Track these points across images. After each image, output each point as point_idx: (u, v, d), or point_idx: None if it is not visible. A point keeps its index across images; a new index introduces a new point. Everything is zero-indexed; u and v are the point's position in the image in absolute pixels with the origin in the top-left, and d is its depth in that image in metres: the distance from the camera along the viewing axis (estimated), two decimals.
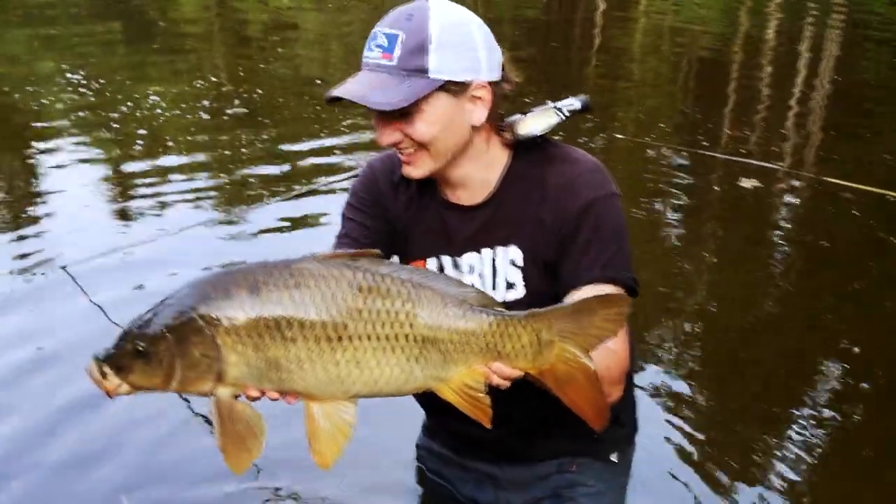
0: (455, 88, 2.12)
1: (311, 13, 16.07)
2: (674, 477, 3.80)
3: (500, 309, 1.96)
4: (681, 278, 6.06)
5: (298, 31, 14.54)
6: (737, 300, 5.78)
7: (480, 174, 2.28)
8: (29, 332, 4.73)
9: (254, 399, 1.89)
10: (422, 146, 2.16)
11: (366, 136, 8.36)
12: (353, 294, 1.85)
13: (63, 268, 5.35)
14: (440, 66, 2.09)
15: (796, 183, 7.91)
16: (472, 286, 2.07)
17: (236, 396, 1.89)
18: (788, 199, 7.68)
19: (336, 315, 1.84)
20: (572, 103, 2.36)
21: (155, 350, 1.82)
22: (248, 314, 1.82)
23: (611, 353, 2.09)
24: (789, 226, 7.15)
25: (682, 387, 4.60)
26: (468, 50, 2.13)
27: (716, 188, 7.90)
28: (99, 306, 4.90)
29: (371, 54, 2.11)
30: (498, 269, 2.29)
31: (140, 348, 1.83)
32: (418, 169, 2.20)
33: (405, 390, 1.95)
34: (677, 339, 5.17)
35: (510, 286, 2.28)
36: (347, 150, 8.17)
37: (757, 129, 9.83)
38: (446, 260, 2.35)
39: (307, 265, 1.87)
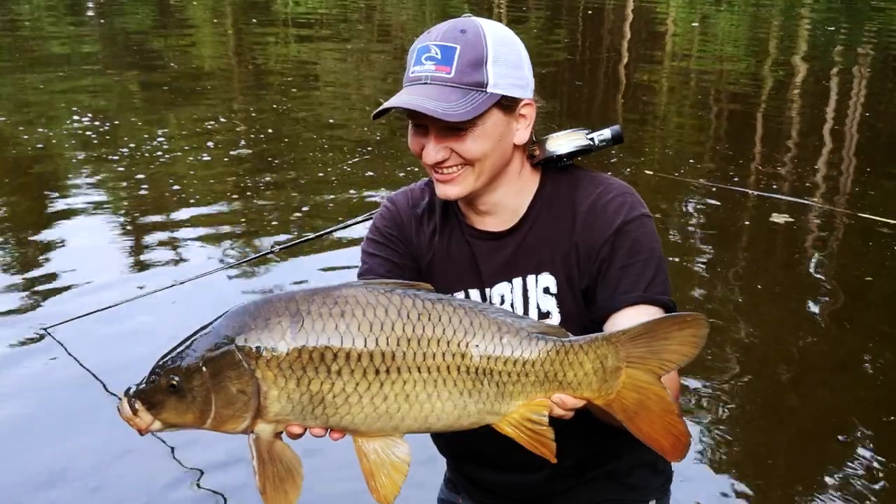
0: (507, 104, 2.07)
1: (333, 62, 16.16)
2: None
3: (560, 335, 1.84)
4: (713, 317, 5.93)
5: (319, 80, 14.60)
6: (771, 340, 5.67)
7: (512, 199, 2.20)
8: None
9: (295, 436, 1.81)
10: (467, 163, 2.06)
11: (384, 177, 8.37)
12: (403, 322, 1.74)
13: (45, 329, 5.29)
14: (497, 81, 2.02)
15: (829, 219, 7.81)
16: (528, 317, 1.97)
17: (278, 434, 1.79)
18: (823, 234, 7.59)
19: (384, 345, 1.73)
20: (602, 133, 2.30)
21: (189, 385, 1.72)
22: (289, 345, 1.71)
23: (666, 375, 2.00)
24: (825, 261, 7.04)
25: (714, 432, 4.48)
26: (518, 67, 2.08)
27: (747, 223, 7.82)
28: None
29: (423, 67, 2.03)
30: (530, 298, 2.18)
31: (174, 383, 1.72)
32: (458, 187, 2.10)
33: (458, 425, 1.82)
34: (709, 383, 5.05)
35: (544, 315, 2.17)
36: (362, 194, 8.16)
37: (788, 164, 9.75)
38: (474, 294, 2.24)
39: (352, 291, 1.76)
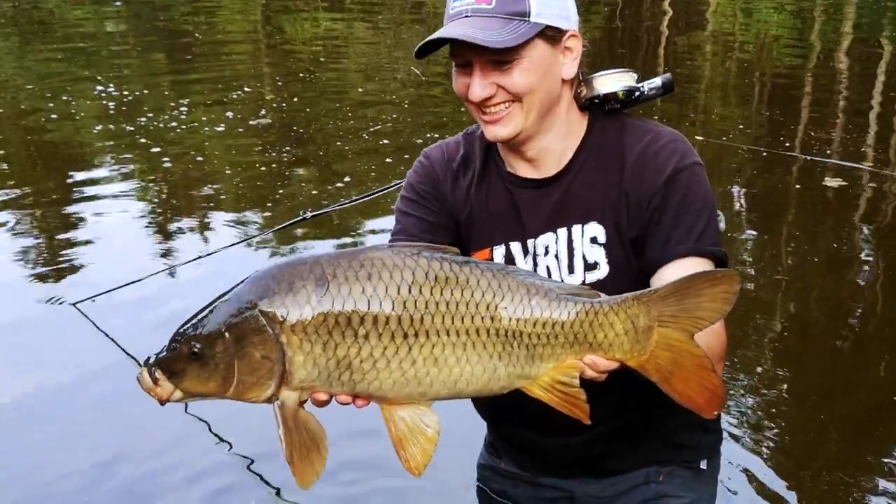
0: (552, 35, 2.02)
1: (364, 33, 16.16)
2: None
3: (590, 297, 1.81)
4: (764, 283, 5.84)
5: (348, 50, 14.59)
6: (825, 308, 5.57)
7: (560, 144, 2.14)
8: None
9: (321, 404, 1.75)
10: (515, 99, 2.00)
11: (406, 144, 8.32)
12: (430, 285, 1.70)
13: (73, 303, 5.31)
14: (540, 10, 1.98)
15: (882, 182, 7.67)
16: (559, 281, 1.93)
17: (302, 402, 1.76)
18: (878, 198, 7.45)
19: (412, 308, 1.69)
20: (653, 81, 2.23)
21: (211, 352, 1.68)
22: (315, 309, 1.67)
23: (711, 332, 1.94)
24: (881, 226, 6.91)
25: (765, 400, 4.42)
26: None
27: (798, 187, 7.70)
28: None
29: (463, 1, 1.99)
30: (575, 248, 2.12)
31: (195, 350, 1.68)
32: (508, 126, 2.04)
33: (488, 390, 1.79)
34: (760, 351, 4.97)
35: (591, 267, 2.11)
36: (393, 162, 8.13)
37: (839, 130, 9.58)
38: (515, 247, 2.17)
39: (378, 254, 1.72)
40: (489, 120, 2.05)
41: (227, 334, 1.68)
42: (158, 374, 1.70)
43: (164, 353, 1.71)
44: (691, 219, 2.04)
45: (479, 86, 2.00)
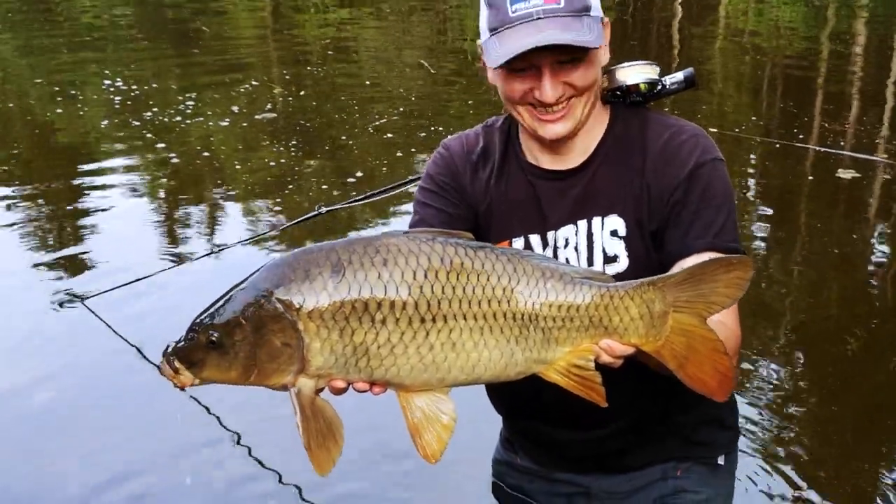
0: (602, 26, 2.03)
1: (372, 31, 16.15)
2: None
3: (605, 280, 1.82)
4: (777, 274, 5.84)
5: (357, 45, 14.59)
6: (838, 300, 5.56)
7: (585, 135, 2.11)
8: None
9: (339, 391, 1.76)
10: (576, 94, 2.02)
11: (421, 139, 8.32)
12: (447, 270, 1.71)
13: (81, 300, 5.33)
14: (594, 3, 2.02)
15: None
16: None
17: (318, 390, 1.77)
18: (892, 190, 7.41)
19: (429, 293, 1.70)
20: (675, 75, 2.25)
21: (230, 340, 1.69)
22: (332, 296, 1.68)
23: (722, 326, 1.93)
24: (894, 218, 6.88)
25: (781, 394, 4.42)
26: None
27: (811, 178, 7.69)
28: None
29: (528, 3, 1.97)
30: (595, 241, 2.12)
31: (214, 339, 1.69)
32: (568, 122, 2.05)
33: (505, 375, 1.79)
34: (774, 345, 4.96)
35: (611, 259, 2.12)
36: (408, 157, 8.13)
37: (853, 122, 9.54)
38: (534, 239, 2.17)
39: (394, 240, 1.73)
40: (552, 119, 2.05)
41: (244, 322, 1.69)
42: (178, 363, 1.71)
43: (183, 343, 1.72)
44: (711, 214, 2.05)
45: (551, 88, 2.00)
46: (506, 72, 2.03)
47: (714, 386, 1.83)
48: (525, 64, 1.99)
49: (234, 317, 1.70)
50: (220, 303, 1.74)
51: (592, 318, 1.78)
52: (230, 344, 1.70)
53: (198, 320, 1.73)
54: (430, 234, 1.78)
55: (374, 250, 1.72)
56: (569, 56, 1.96)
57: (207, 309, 1.74)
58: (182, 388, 1.76)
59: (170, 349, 1.73)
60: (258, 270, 1.76)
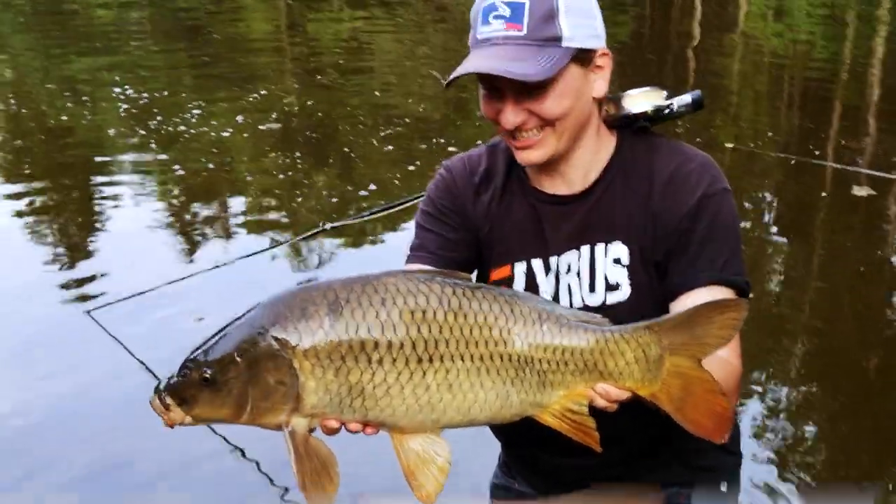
0: (583, 57, 1.99)
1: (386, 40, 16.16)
2: None
3: (601, 324, 1.82)
4: (790, 295, 5.81)
5: (372, 55, 14.58)
6: (854, 320, 5.52)
7: (588, 159, 2.11)
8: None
9: (332, 431, 1.76)
10: (547, 124, 2.00)
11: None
12: (444, 310, 1.72)
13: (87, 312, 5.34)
14: (571, 34, 1.96)
15: None
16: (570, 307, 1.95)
17: (311, 430, 1.77)
18: None
19: (426, 333, 1.70)
20: (683, 98, 2.22)
21: (224, 378, 1.68)
22: (328, 335, 1.68)
23: (724, 363, 1.92)
24: None
25: (790, 417, 4.39)
26: (590, 16, 2.02)
27: (824, 195, 7.65)
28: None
29: (491, 27, 1.96)
30: (597, 268, 2.12)
31: (207, 376, 1.69)
32: (539, 151, 2.03)
33: (500, 417, 1.81)
34: (787, 367, 4.94)
35: (612, 287, 2.11)
36: (415, 172, 8.08)
37: (869, 140, 9.49)
38: (536, 263, 2.16)
39: (391, 279, 1.74)
40: (521, 146, 2.04)
41: (239, 360, 1.69)
42: (169, 400, 1.71)
43: (176, 380, 1.72)
44: (717, 246, 2.05)
45: (511, 114, 1.99)
46: (483, 91, 2.04)
47: (711, 427, 1.83)
48: (496, 85, 1.99)
49: (228, 354, 1.70)
50: (215, 339, 1.73)
51: (587, 362, 1.78)
52: (223, 381, 1.69)
53: (191, 356, 1.73)
54: (428, 273, 1.79)
55: (373, 289, 1.72)
56: (535, 83, 1.93)
57: (202, 345, 1.74)
58: (171, 426, 1.74)
59: (162, 385, 1.72)
60: (255, 307, 1.75)
